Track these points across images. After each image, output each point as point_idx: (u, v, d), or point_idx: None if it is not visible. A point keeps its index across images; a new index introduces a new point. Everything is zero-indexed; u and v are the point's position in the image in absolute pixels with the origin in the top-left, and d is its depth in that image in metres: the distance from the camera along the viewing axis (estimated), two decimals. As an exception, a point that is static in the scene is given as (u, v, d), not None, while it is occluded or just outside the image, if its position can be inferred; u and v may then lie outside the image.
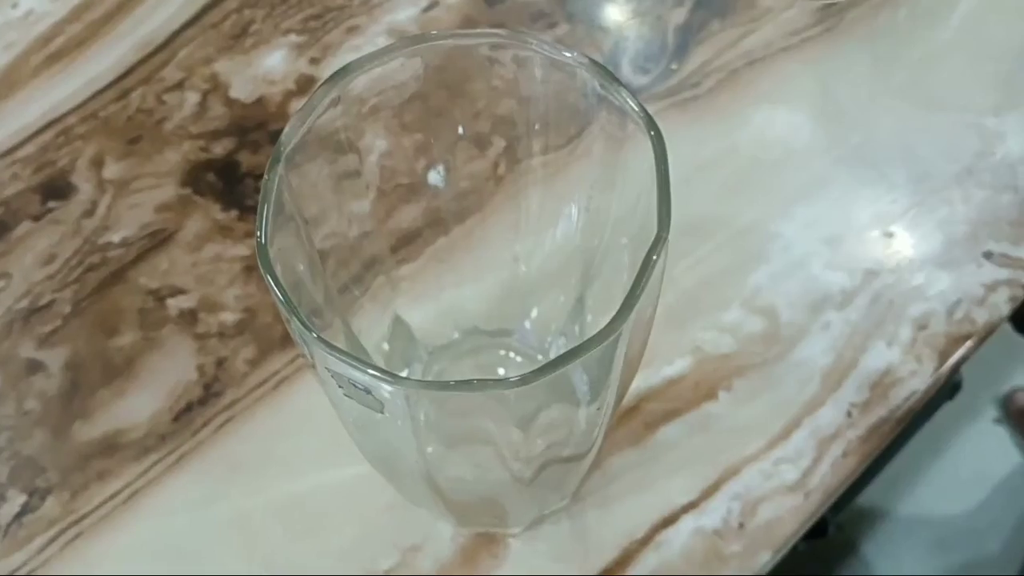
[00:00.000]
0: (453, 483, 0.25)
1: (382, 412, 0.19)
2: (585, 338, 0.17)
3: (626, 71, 0.41)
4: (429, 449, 0.22)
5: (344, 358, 0.17)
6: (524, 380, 0.17)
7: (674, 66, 0.41)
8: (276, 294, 0.18)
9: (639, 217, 0.22)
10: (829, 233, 0.37)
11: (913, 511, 0.96)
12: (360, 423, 0.22)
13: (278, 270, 0.18)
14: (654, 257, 0.18)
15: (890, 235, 0.37)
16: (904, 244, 0.37)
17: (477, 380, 0.17)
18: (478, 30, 0.25)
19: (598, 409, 0.22)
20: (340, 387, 0.19)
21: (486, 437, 0.23)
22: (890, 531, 0.95)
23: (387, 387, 0.17)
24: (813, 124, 0.39)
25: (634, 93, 0.22)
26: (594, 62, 0.23)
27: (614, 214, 0.26)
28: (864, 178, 0.38)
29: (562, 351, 0.17)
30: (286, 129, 0.21)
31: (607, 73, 0.22)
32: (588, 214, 0.28)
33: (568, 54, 0.24)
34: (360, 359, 0.17)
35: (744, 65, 0.41)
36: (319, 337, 0.17)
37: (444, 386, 0.18)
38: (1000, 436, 1.05)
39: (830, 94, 0.40)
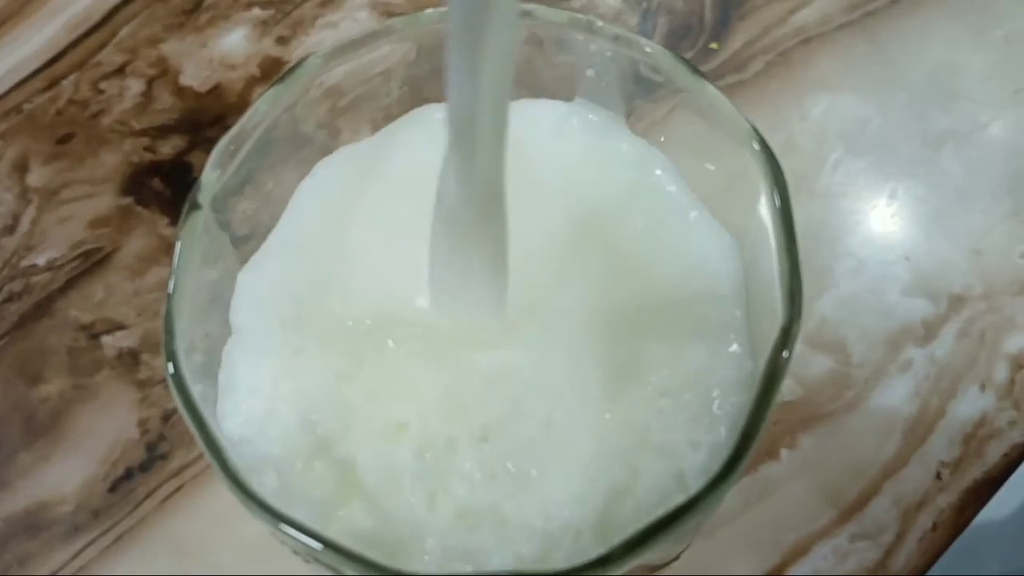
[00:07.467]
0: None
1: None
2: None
3: (655, 52, 0.35)
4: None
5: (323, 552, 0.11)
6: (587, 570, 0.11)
7: (714, 45, 0.36)
8: (197, 435, 0.11)
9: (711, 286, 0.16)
10: (906, 251, 0.31)
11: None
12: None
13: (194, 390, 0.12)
14: (784, 354, 0.12)
15: (979, 253, 0.31)
16: (996, 264, 0.31)
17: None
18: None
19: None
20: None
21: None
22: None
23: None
24: (882, 117, 0.34)
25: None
26: (654, 47, 0.17)
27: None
28: (946, 183, 0.33)
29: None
30: (206, 169, 0.14)
31: (680, 62, 0.15)
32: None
33: (610, 29, 0.18)
34: (358, 555, 0.10)
35: (797, 44, 0.35)
36: (281, 517, 0.11)
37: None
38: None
39: (900, 80, 0.34)
